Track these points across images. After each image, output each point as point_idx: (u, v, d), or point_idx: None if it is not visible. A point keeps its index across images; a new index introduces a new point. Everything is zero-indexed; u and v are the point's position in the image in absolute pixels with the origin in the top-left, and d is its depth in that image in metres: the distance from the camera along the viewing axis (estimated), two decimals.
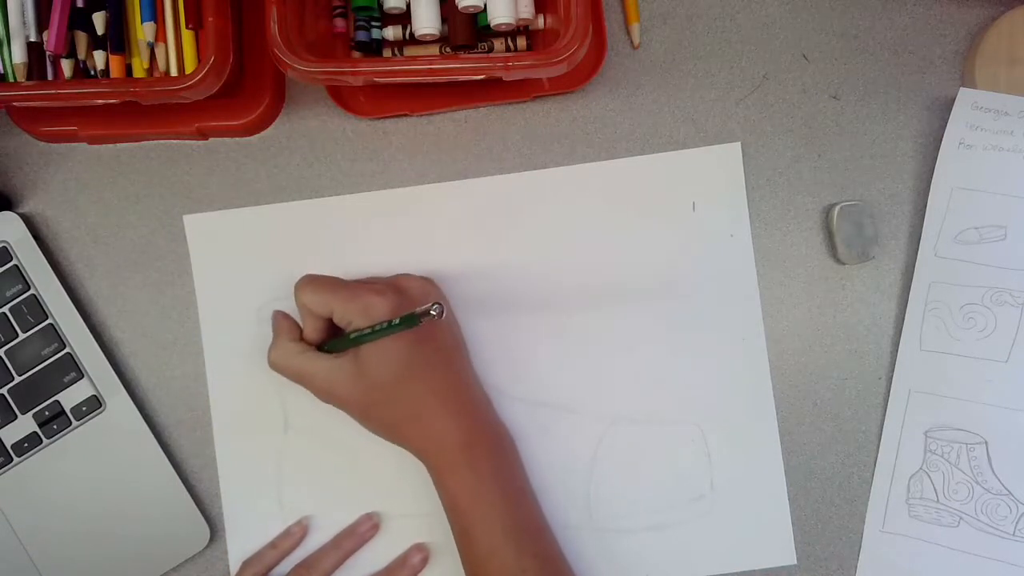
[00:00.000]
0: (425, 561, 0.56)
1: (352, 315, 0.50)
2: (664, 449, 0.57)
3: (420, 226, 0.58)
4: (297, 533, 0.56)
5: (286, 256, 0.57)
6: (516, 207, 0.58)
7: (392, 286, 0.52)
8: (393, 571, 0.56)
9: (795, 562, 0.57)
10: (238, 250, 0.58)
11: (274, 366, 0.53)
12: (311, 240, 0.58)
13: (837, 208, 0.57)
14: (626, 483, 0.57)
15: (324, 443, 0.57)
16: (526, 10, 0.55)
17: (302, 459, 0.57)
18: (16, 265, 0.56)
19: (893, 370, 0.57)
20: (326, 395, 0.52)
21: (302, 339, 0.53)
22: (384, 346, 0.50)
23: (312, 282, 0.53)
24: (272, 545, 0.56)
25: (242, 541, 0.57)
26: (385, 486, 0.57)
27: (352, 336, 0.50)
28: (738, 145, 0.58)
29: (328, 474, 0.57)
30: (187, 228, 0.58)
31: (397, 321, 0.48)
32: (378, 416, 0.52)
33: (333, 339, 0.53)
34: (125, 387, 0.56)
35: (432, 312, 0.45)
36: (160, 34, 0.54)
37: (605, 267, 0.58)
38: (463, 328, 0.57)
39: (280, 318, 0.55)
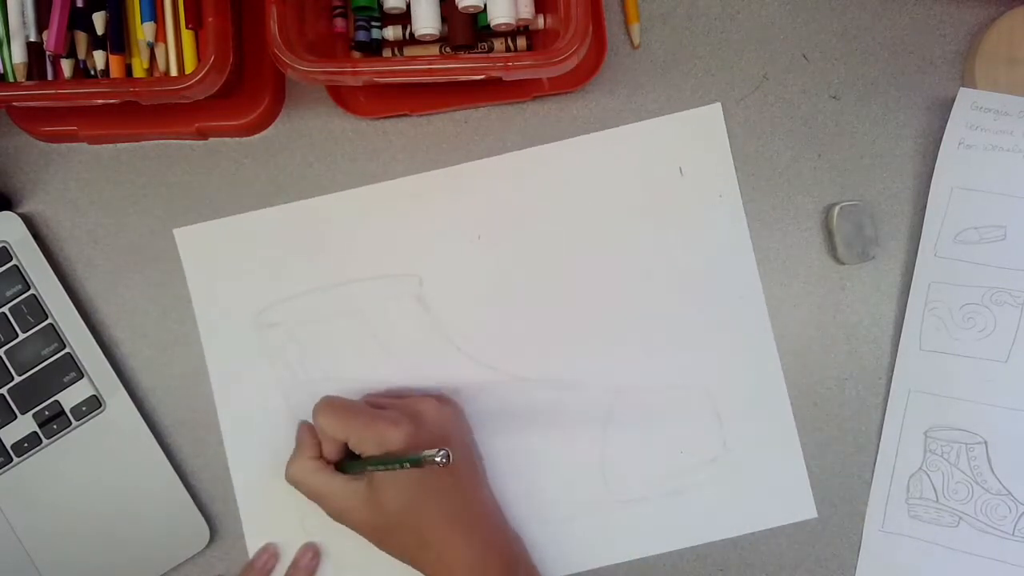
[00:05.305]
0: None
1: (367, 444, 0.51)
2: (673, 413, 0.57)
3: (412, 216, 0.58)
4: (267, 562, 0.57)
5: (279, 259, 0.58)
6: (507, 189, 0.58)
7: (409, 414, 0.52)
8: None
9: (815, 515, 0.57)
10: (231, 258, 0.58)
11: (291, 480, 0.53)
12: (303, 241, 0.58)
13: (837, 208, 0.57)
14: (639, 451, 0.57)
15: None
16: (526, 10, 0.55)
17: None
18: (16, 265, 0.56)
19: (893, 370, 0.57)
20: (338, 517, 0.53)
21: (321, 457, 0.53)
22: (397, 474, 0.50)
23: (330, 407, 0.53)
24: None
25: (259, 524, 0.57)
26: None
27: (367, 464, 0.51)
28: (718, 105, 0.58)
29: None
30: (178, 241, 0.58)
31: (407, 463, 0.48)
32: (391, 543, 0.52)
33: (349, 460, 0.53)
34: (125, 387, 0.56)
35: (437, 460, 0.46)
36: (160, 34, 0.54)
37: (600, 238, 0.58)
38: (457, 318, 0.56)
39: (304, 432, 0.55)
